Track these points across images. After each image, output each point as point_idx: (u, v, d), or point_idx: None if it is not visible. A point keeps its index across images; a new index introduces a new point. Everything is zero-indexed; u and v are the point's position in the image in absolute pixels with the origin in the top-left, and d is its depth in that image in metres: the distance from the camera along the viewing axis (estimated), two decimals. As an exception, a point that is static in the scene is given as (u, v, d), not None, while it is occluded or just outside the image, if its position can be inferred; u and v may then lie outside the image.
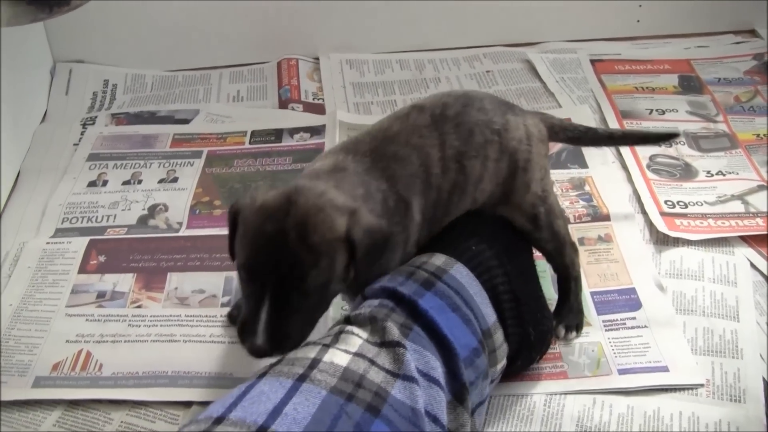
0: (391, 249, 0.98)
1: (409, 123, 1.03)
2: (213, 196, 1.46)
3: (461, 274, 1.02)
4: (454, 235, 1.07)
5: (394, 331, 0.90)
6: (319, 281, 0.88)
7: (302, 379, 0.82)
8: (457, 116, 1.04)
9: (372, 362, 0.86)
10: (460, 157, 1.03)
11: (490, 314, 1.02)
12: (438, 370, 0.91)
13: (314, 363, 0.85)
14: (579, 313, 1.19)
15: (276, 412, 0.77)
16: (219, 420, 0.76)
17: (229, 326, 1.20)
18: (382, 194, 0.97)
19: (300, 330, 0.90)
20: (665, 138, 1.35)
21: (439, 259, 1.04)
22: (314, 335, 0.93)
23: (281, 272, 0.85)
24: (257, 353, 0.88)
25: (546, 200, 1.11)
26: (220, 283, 1.28)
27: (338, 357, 0.86)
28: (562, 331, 1.17)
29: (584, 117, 1.62)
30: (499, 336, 1.02)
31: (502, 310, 1.03)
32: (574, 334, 1.17)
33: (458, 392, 0.93)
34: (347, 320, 0.94)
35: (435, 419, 0.88)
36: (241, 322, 0.89)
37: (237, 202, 0.91)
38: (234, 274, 1.28)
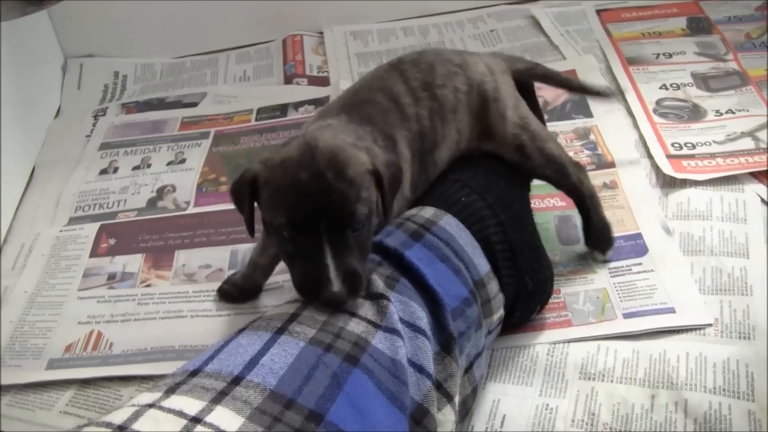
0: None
1: (369, 75, 1.05)
2: (219, 173, 1.46)
3: (451, 225, 1.00)
4: (445, 188, 1.05)
5: (378, 284, 0.88)
6: (365, 213, 0.84)
7: (280, 331, 0.81)
8: (414, 60, 1.05)
9: (353, 314, 0.85)
10: (428, 87, 1.02)
11: (482, 264, 0.99)
12: (424, 320, 0.89)
13: (293, 317, 0.84)
14: (607, 229, 1.17)
15: (252, 363, 0.76)
16: (194, 373, 0.76)
17: (220, 302, 1.20)
18: (370, 135, 0.95)
19: (363, 267, 0.85)
20: (597, 94, 1.26)
21: (428, 212, 1.02)
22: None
23: (331, 214, 0.81)
24: (338, 302, 0.83)
25: (527, 127, 1.08)
26: (226, 256, 1.28)
27: (318, 312, 0.85)
28: (599, 256, 1.17)
29: (589, 67, 1.58)
30: (493, 286, 1.00)
31: (495, 261, 1.01)
32: (609, 252, 1.17)
33: (445, 342, 0.91)
34: None
35: (420, 369, 0.86)
36: (303, 279, 0.84)
37: (247, 172, 0.86)
38: (240, 247, 1.28)
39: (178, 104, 1.68)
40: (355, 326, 0.84)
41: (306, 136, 0.86)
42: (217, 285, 1.22)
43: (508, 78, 1.11)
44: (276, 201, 0.83)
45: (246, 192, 0.85)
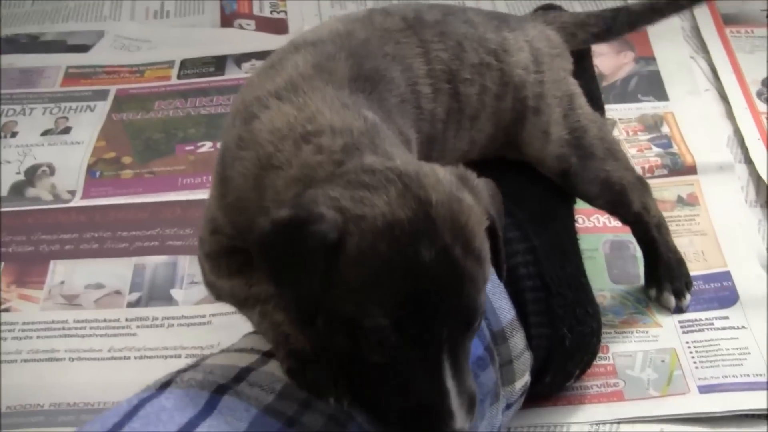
0: None
1: (375, 27, 1.03)
2: (121, 151, 1.48)
3: None
4: None
5: None
6: (484, 298, 0.80)
7: (222, 391, 0.81)
8: (438, 24, 1.05)
9: None
10: (452, 78, 1.03)
11: (505, 308, 1.01)
12: None
13: (244, 373, 0.84)
14: (681, 265, 1.21)
15: None
16: None
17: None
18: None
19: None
20: None
21: None
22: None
23: (457, 310, 0.76)
24: None
25: (580, 143, 1.11)
26: (127, 273, 1.30)
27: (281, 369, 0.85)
28: (671, 300, 1.20)
29: (667, 27, 1.59)
30: (518, 340, 1.01)
31: (523, 303, 1.03)
32: (687, 296, 1.21)
33: None
34: None
35: None
36: (405, 410, 0.78)
37: (318, 222, 0.75)
38: (148, 260, 1.31)
39: (59, 46, 1.69)
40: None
41: (403, 176, 0.78)
42: (111, 313, 1.24)
43: (565, 62, 1.12)
44: (375, 288, 0.75)
45: (318, 258, 0.75)
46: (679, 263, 1.21)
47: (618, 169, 1.14)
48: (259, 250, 0.79)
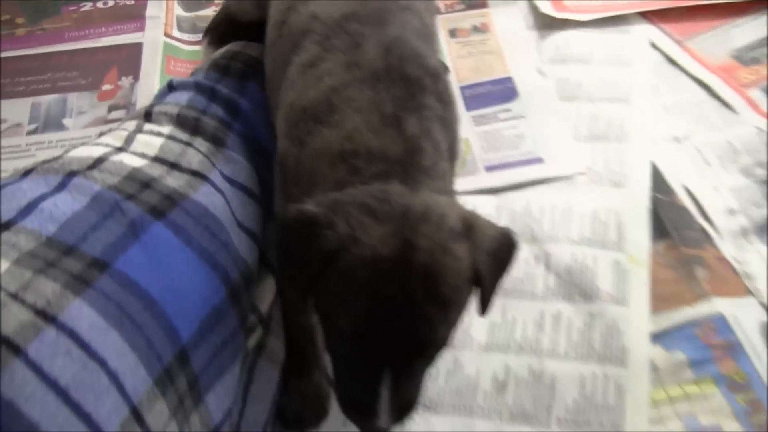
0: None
1: None
2: (15, 13, 1.65)
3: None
4: None
5: (208, 128, 1.07)
6: (447, 335, 0.89)
7: (74, 175, 0.94)
8: None
9: (173, 166, 1.01)
10: None
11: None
12: (256, 183, 1.09)
13: (97, 162, 0.98)
14: None
15: (30, 207, 0.88)
16: None
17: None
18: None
19: (419, 392, 0.93)
20: None
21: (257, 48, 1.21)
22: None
23: (406, 339, 0.86)
24: None
25: None
26: (25, 110, 1.48)
27: (130, 159, 1.00)
28: None
29: None
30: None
31: None
32: None
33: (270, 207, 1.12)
34: (147, 116, 1.09)
35: (253, 234, 1.07)
36: (347, 395, 0.92)
37: (327, 230, 0.86)
38: (42, 99, 1.49)
39: None
40: (172, 180, 1.00)
41: (407, 214, 0.86)
42: (14, 140, 1.42)
43: None
44: (345, 300, 0.86)
45: (317, 257, 0.86)
46: None
47: None
48: (280, 231, 0.91)
